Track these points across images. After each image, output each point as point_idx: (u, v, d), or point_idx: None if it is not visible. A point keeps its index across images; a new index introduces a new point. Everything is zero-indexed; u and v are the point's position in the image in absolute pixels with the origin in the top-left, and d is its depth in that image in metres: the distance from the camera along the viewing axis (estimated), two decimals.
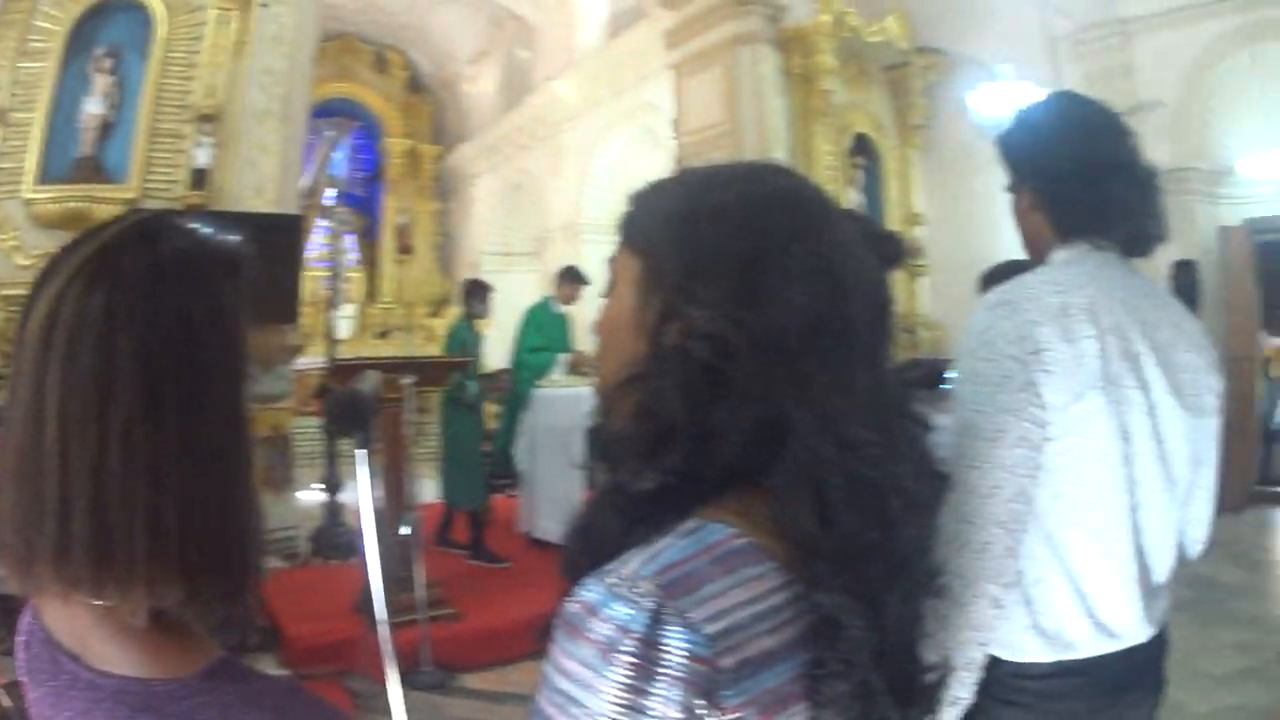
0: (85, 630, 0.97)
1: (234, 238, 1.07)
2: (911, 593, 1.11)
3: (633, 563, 0.98)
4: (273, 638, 5.79)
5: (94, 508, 0.90)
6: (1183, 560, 2.21)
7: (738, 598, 0.97)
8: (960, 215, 14.15)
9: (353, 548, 8.09)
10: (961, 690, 1.78)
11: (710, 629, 0.93)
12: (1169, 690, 2.16)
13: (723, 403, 1.04)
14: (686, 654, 0.92)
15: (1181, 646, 2.24)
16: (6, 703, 1.88)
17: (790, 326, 1.05)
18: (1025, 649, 1.95)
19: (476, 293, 9.09)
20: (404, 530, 5.81)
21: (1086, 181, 2.04)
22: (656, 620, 0.92)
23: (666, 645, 0.92)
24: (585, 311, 9.37)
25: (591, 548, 1.10)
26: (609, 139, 16.95)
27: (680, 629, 0.92)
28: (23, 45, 8.63)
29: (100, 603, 0.93)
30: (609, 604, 0.94)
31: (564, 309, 9.60)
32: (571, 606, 0.97)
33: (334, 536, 8.41)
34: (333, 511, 8.67)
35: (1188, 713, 5.39)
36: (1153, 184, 2.10)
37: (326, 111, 17.91)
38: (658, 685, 0.91)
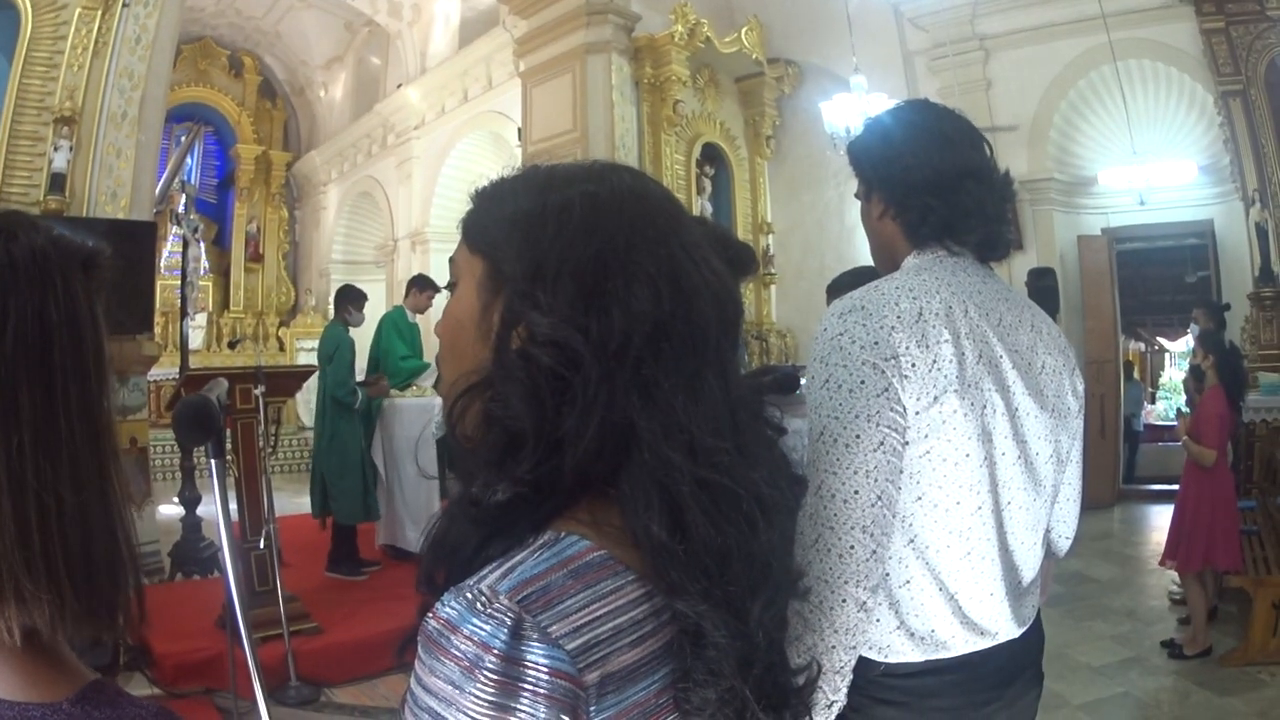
0: None
1: (89, 238, 1.02)
2: (775, 597, 1.10)
3: (490, 577, 0.97)
4: (142, 656, 5.65)
5: None
6: (1053, 557, 2.28)
7: (597, 611, 0.97)
8: (810, 224, 14.58)
9: (213, 562, 7.95)
10: (834, 694, 1.76)
11: (571, 644, 0.93)
12: (1050, 683, 2.22)
13: (569, 410, 1.03)
14: (549, 670, 0.91)
15: (1058, 640, 2.29)
16: None
17: (634, 332, 1.04)
18: (895, 650, 1.95)
19: (352, 299, 8.89)
20: (261, 543, 5.72)
21: (940, 188, 2.03)
22: (517, 636, 0.92)
23: (529, 662, 0.91)
24: (430, 322, 9.20)
25: (448, 561, 1.09)
26: (457, 146, 16.99)
27: (541, 645, 0.92)
28: None
29: None
30: (468, 620, 0.93)
31: (416, 318, 9.50)
32: (432, 623, 0.96)
33: (194, 551, 8.20)
34: (191, 526, 8.45)
35: (1070, 704, 5.56)
36: (1006, 189, 2.12)
37: (180, 116, 17.57)
38: (522, 702, 0.91)
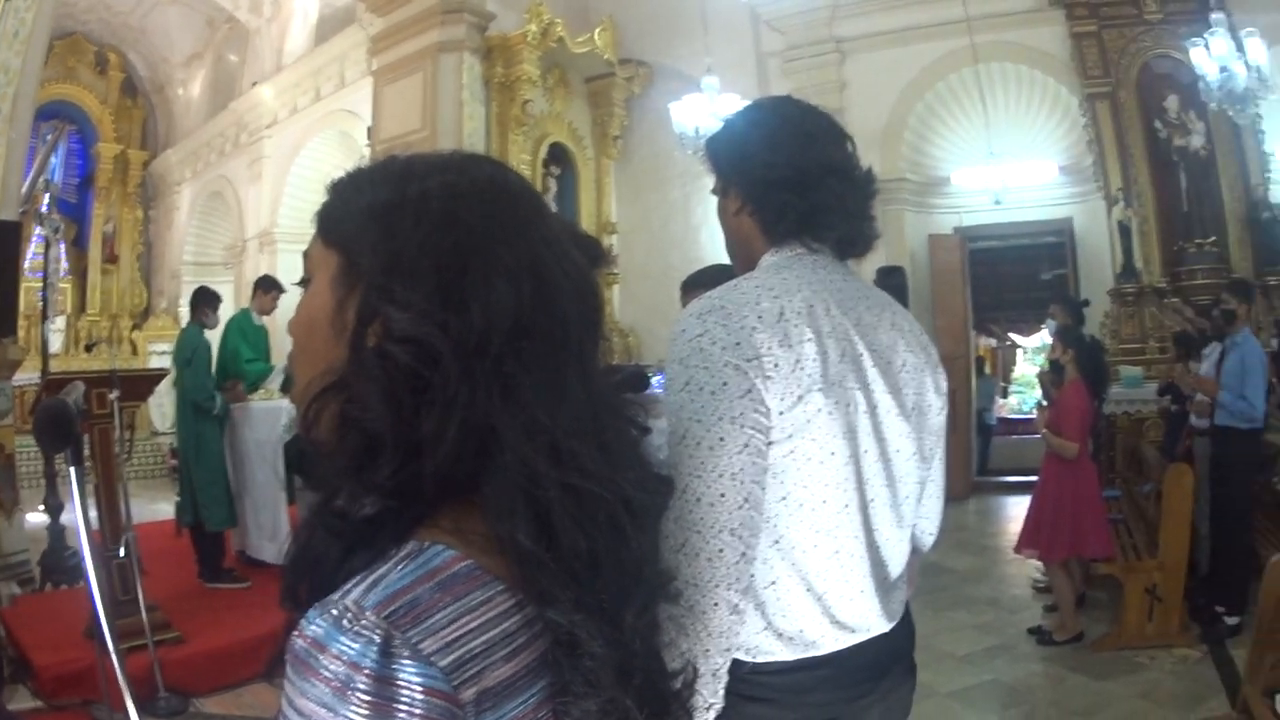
0: None
1: None
2: (648, 602, 1.10)
3: (354, 592, 0.93)
4: (23, 669, 5.54)
5: None
6: (918, 552, 2.32)
7: (468, 625, 0.94)
8: (654, 224, 14.76)
9: (79, 571, 7.78)
10: (713, 697, 1.75)
11: (444, 660, 0.91)
12: (918, 674, 2.24)
13: (428, 411, 1.00)
14: (424, 689, 0.89)
15: (921, 631, 2.27)
16: None
17: (495, 328, 1.01)
18: (763, 650, 1.93)
19: (209, 301, 8.70)
20: (121, 551, 5.65)
21: (799, 184, 2.01)
22: (387, 654, 0.88)
23: (402, 681, 0.88)
24: (283, 321, 9.04)
25: (310, 575, 1.05)
26: (307, 145, 16.83)
27: (413, 663, 0.89)
28: None
29: None
30: (336, 639, 0.89)
31: (263, 320, 9.46)
32: (299, 642, 0.91)
33: (61, 560, 7.99)
34: (57, 534, 8.25)
35: (939, 693, 5.70)
36: (868, 186, 2.10)
37: (47, 114, 17.12)
38: None
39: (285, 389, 9.09)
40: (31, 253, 16.22)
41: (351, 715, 0.86)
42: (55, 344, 16.91)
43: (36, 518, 8.99)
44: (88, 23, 20.26)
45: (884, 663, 2.05)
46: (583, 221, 14.20)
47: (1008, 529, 10.09)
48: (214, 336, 8.75)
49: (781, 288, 1.89)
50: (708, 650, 1.70)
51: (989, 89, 12.35)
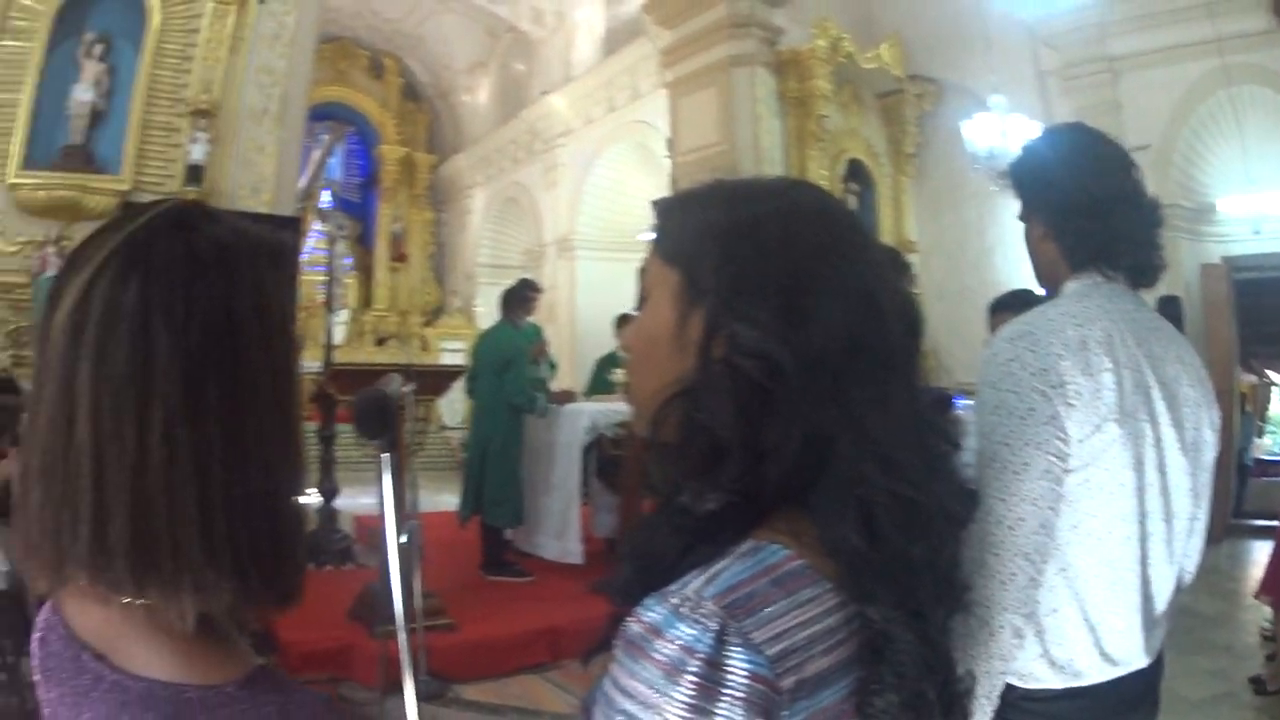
0: (116, 629, 0.92)
1: (268, 228, 1.03)
2: (953, 607, 1.13)
3: (695, 583, 0.97)
4: (267, 643, 5.67)
5: (135, 510, 0.86)
6: (1179, 591, 2.25)
7: (796, 619, 0.97)
8: (951, 243, 14.34)
9: (348, 554, 8.02)
10: (983, 717, 1.80)
11: (771, 650, 0.94)
12: None
13: (771, 422, 1.04)
14: (749, 674, 0.92)
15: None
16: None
17: (831, 345, 1.05)
18: (1035, 676, 1.96)
19: (523, 302, 8.71)
20: (403, 538, 5.70)
21: (1095, 213, 2.05)
22: (721, 641, 0.92)
23: (730, 666, 0.91)
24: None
25: (647, 569, 1.09)
26: (604, 155, 16.97)
27: (743, 650, 0.92)
28: (4, 23, 8.47)
29: (140, 602, 0.89)
30: (673, 625, 0.94)
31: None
32: (634, 627, 0.96)
33: (329, 542, 8.28)
34: (328, 517, 8.56)
35: None
36: (1156, 215, 2.13)
37: (321, 115, 17.88)
38: (720, 705, 0.90)
39: (594, 392, 9.35)
40: (310, 248, 16.99)
41: (678, 695, 0.90)
42: (338, 336, 17.67)
43: (303, 500, 9.31)
44: (355, 28, 20.98)
45: (1135, 697, 2.09)
46: (884, 240, 13.92)
47: (1254, 574, 9.56)
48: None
49: (1084, 315, 1.95)
50: (987, 671, 1.77)
51: (1243, 112, 11.59)
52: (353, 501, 8.93)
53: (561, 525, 8.17)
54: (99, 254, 0.91)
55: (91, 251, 0.92)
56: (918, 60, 14.19)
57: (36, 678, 0.99)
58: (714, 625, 0.93)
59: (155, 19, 8.71)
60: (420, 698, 5.23)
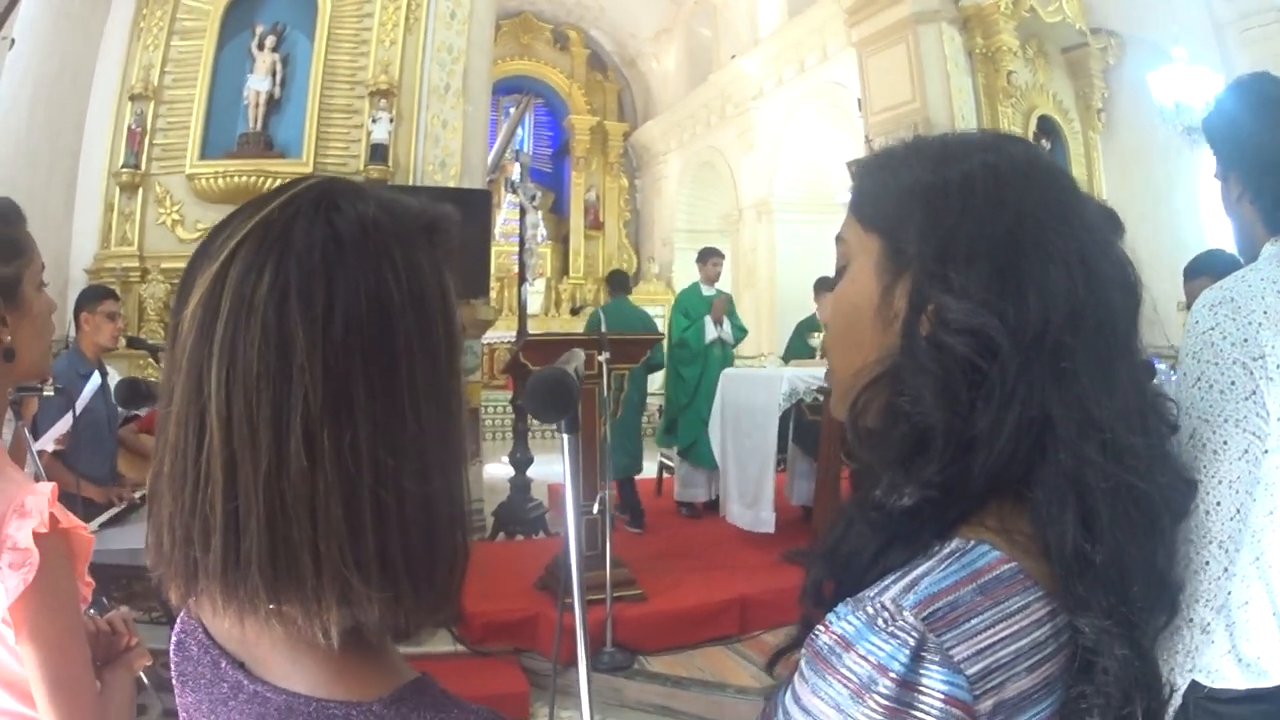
0: (255, 640, 0.86)
1: (429, 203, 0.92)
2: (1170, 614, 1.03)
3: (893, 590, 0.89)
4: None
5: (272, 521, 0.78)
6: None
7: (1001, 633, 0.89)
8: (1145, 203, 13.62)
9: (538, 524, 8.08)
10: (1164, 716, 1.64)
11: (972, 669, 0.85)
12: None
13: (984, 405, 0.95)
14: (944, 697, 0.84)
15: None
16: (145, 683, 1.81)
17: (1051, 318, 0.95)
18: (1223, 674, 1.82)
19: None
20: (595, 508, 5.71)
21: None
22: (917, 659, 0.84)
23: (925, 688, 0.84)
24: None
25: (841, 570, 1.02)
26: (797, 117, 16.75)
27: (942, 669, 0.84)
28: (172, 24, 9.01)
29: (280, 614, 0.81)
30: (866, 637, 0.86)
31: (712, 289, 9.59)
32: (823, 637, 0.89)
33: (521, 512, 8.37)
34: (520, 487, 8.62)
35: None
36: None
37: (508, 89, 18.13)
38: None
39: (793, 356, 9.48)
40: (503, 219, 17.25)
41: (862, 718, 0.84)
42: (534, 305, 17.89)
43: (496, 469, 9.44)
44: (535, 2, 21.38)
45: None
46: None
47: None
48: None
49: None
50: (1172, 668, 1.63)
51: None
52: (548, 469, 8.94)
53: (755, 493, 8.03)
54: (232, 239, 0.83)
55: (224, 237, 0.84)
56: (1098, 13, 13.72)
57: (174, 681, 0.95)
58: (912, 640, 0.85)
59: (327, 7, 9.09)
60: (605, 669, 5.25)
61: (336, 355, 0.78)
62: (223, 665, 0.88)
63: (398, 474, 0.81)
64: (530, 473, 8.64)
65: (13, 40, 8.33)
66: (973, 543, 0.94)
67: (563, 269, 22.19)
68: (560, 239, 22.38)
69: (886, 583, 0.91)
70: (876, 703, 0.83)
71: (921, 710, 0.83)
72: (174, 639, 0.96)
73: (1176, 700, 1.64)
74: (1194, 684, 1.78)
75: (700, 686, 5.34)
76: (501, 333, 11.86)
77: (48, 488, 1.54)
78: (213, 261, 0.82)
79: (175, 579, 0.84)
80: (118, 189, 8.95)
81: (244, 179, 8.66)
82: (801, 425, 8.05)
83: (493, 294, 10.96)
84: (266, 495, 0.78)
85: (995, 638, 0.88)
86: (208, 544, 0.79)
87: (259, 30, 9.11)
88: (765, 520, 7.77)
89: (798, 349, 9.56)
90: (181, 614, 0.96)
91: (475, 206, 8.46)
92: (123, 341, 5.94)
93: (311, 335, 0.78)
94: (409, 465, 0.82)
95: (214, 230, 0.87)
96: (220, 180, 8.71)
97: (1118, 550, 0.93)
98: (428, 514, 0.84)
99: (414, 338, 0.83)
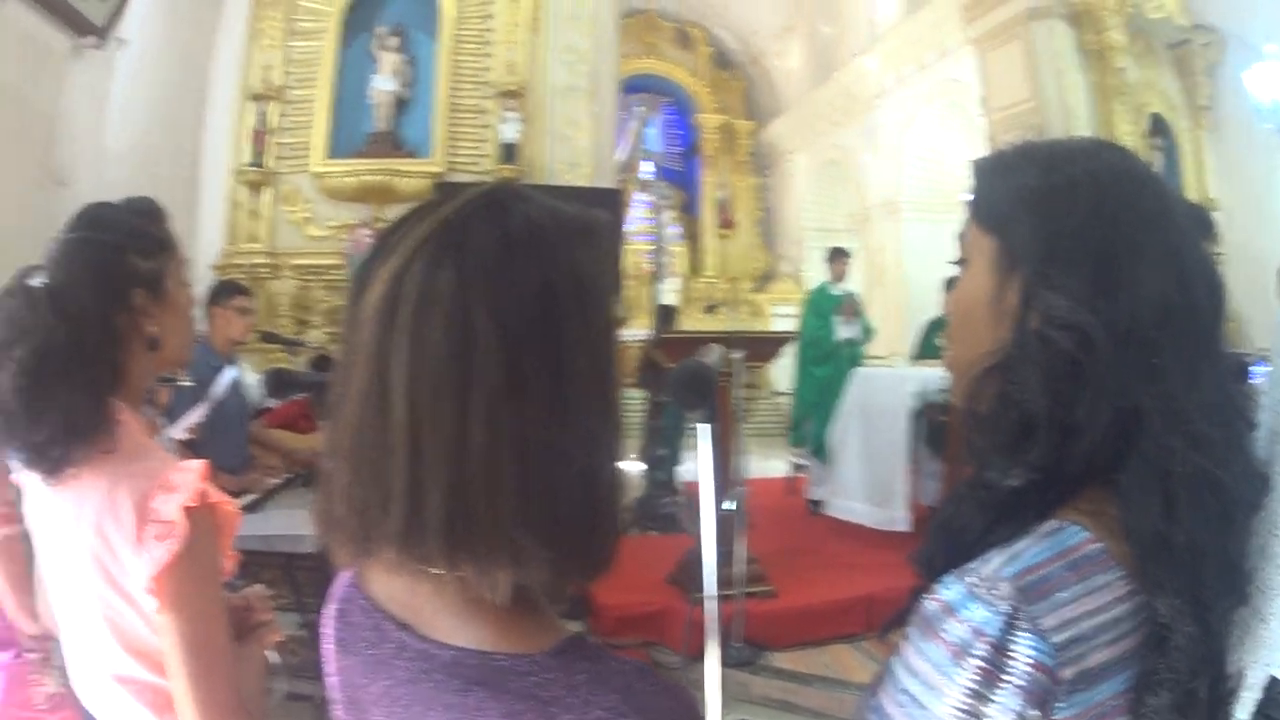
0: (424, 600, 0.96)
1: (583, 207, 1.01)
2: (1239, 600, 1.08)
3: (994, 562, 0.98)
4: (582, 605, 5.82)
5: (452, 489, 0.87)
6: None
7: (1086, 606, 0.96)
8: (1252, 200, 13.34)
9: (674, 520, 8.09)
10: (1242, 712, 1.52)
11: (1058, 638, 0.93)
12: None
13: (1082, 396, 1.02)
14: (1032, 662, 0.92)
15: None
16: (276, 659, 1.89)
17: (1143, 316, 1.02)
18: None
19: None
20: (728, 505, 5.73)
21: None
22: (1010, 625, 0.93)
23: (1015, 652, 0.93)
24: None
25: (951, 544, 1.09)
26: (920, 116, 16.65)
27: (1031, 636, 0.93)
28: (291, 25, 9.25)
29: (453, 575, 0.90)
30: (967, 605, 0.95)
31: (839, 287, 9.58)
32: (930, 605, 0.99)
33: (657, 508, 8.40)
34: (656, 483, 8.67)
35: None
36: None
37: (635, 88, 18.20)
38: (999, 693, 0.92)
39: (922, 356, 9.44)
40: (635, 218, 17.32)
41: (960, 678, 0.93)
42: (667, 303, 17.92)
43: (628, 465, 9.49)
44: (659, 1, 21.46)
45: None
46: (1187, 197, 13.20)
47: None
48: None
49: None
50: (1254, 661, 1.49)
51: None
52: (687, 467, 8.94)
53: (885, 492, 8.00)
54: (412, 238, 0.93)
55: (403, 236, 0.94)
56: (1198, 9, 13.50)
57: (330, 647, 1.06)
58: (1005, 608, 0.93)
59: (450, 8, 9.22)
60: (731, 664, 5.24)
61: (512, 342, 0.88)
62: (385, 627, 0.98)
63: (565, 447, 0.89)
64: (668, 469, 8.72)
65: (119, 40, 8.49)
66: (1066, 523, 1.01)
67: (694, 268, 22.16)
68: (692, 238, 22.36)
69: (988, 556, 0.99)
70: (972, 664, 0.92)
71: (1011, 673, 0.91)
72: (334, 608, 1.07)
73: (1257, 694, 1.65)
74: (1275, 680, 1.78)
75: (821, 683, 5.33)
76: (634, 331, 11.90)
77: (198, 464, 1.63)
78: (392, 257, 0.92)
79: (348, 543, 0.94)
80: (243, 187, 9.21)
81: (375, 178, 8.85)
82: (930, 425, 7.98)
83: (627, 292, 11.00)
84: (448, 466, 0.87)
85: (1080, 610, 0.95)
86: (387, 510, 0.89)
87: (380, 31, 9.29)
88: (899, 519, 7.72)
89: (927, 349, 9.44)
90: (343, 585, 1.07)
91: (607, 206, 8.50)
92: (254, 336, 6.11)
93: (491, 325, 0.87)
94: (574, 439, 0.90)
95: (387, 231, 0.98)
96: (351, 179, 8.91)
97: (1193, 535, 0.99)
98: (590, 483, 0.93)
99: (577, 327, 0.92)
